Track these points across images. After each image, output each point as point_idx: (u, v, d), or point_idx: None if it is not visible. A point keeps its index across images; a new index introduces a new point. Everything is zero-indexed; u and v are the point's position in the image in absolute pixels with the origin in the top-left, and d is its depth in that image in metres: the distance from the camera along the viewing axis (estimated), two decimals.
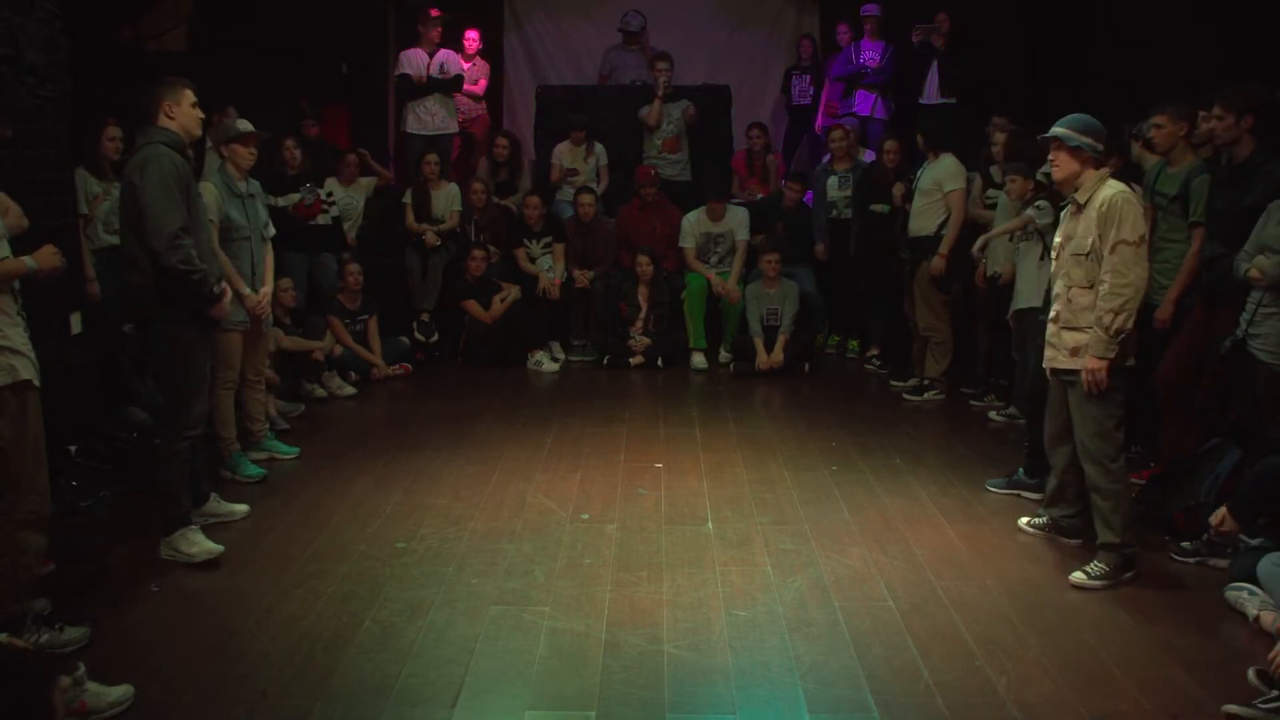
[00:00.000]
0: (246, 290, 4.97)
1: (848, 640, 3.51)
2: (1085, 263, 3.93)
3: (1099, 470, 3.99)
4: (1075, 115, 4.03)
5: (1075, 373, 3.98)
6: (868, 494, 4.94)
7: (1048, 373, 4.20)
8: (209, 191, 4.82)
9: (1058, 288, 4.10)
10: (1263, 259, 4.16)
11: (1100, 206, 3.86)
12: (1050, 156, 4.03)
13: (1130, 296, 3.82)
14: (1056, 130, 3.99)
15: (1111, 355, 3.87)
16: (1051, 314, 4.12)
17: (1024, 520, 4.54)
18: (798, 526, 4.52)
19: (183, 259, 3.99)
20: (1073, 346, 4.00)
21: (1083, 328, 3.96)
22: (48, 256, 3.51)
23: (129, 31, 7.63)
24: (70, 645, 3.41)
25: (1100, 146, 3.97)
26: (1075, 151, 3.94)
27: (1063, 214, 4.17)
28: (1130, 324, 3.84)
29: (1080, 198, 3.98)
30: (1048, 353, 4.14)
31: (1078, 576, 3.98)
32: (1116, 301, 3.82)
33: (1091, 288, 3.93)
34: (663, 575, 4.02)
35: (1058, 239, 4.15)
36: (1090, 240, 3.89)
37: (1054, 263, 4.18)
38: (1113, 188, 3.90)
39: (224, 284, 4.30)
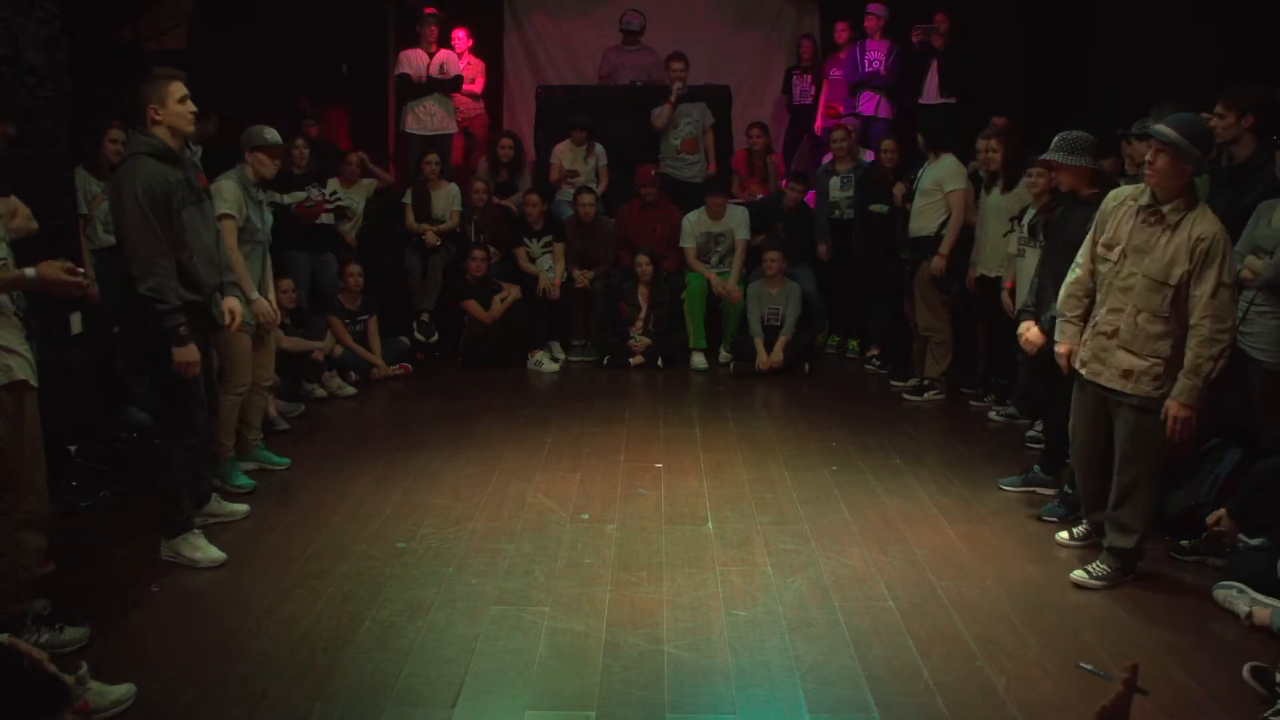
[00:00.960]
0: (255, 295, 4.90)
1: (848, 640, 3.51)
2: (1166, 292, 3.69)
3: (1135, 479, 3.90)
4: (1184, 116, 3.73)
5: (1136, 398, 3.81)
6: (868, 494, 4.94)
7: (1081, 380, 4.01)
8: (231, 189, 4.75)
9: (1116, 302, 3.84)
10: (1254, 259, 4.15)
11: (1201, 241, 3.60)
12: (1149, 158, 3.71)
13: (1228, 343, 3.62)
14: (1170, 136, 3.63)
15: (1200, 403, 3.66)
16: (1106, 327, 3.87)
17: (1063, 535, 4.38)
18: (798, 526, 4.52)
19: (151, 288, 3.87)
20: (1125, 368, 3.81)
21: (1143, 355, 3.78)
22: (53, 270, 3.32)
23: (129, 31, 7.63)
24: (70, 645, 3.41)
25: (1204, 158, 3.76)
26: (1180, 164, 3.63)
27: (1111, 213, 3.89)
28: (1222, 367, 3.64)
29: (1170, 216, 3.69)
30: (1091, 365, 3.94)
31: (1079, 575, 3.98)
32: (1217, 349, 3.60)
33: (1166, 320, 3.72)
34: (663, 575, 4.02)
35: (1110, 238, 3.87)
36: (1180, 272, 3.64)
37: (1104, 264, 3.89)
38: (1211, 220, 3.64)
39: (187, 329, 3.99)
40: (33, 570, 3.46)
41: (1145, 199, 3.79)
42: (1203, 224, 3.64)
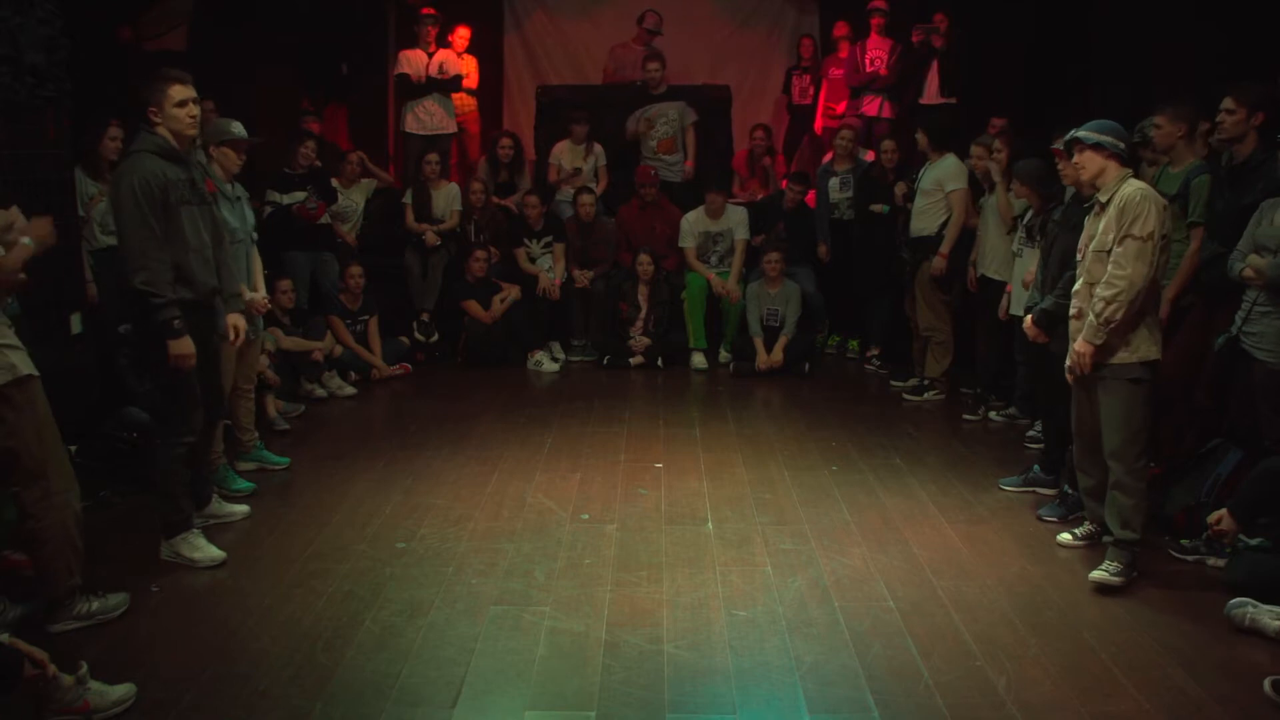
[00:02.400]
0: (248, 295, 4.84)
1: (848, 640, 3.51)
2: (1106, 260, 3.93)
3: (1124, 468, 3.96)
4: (1092, 121, 4.05)
5: (1103, 368, 3.97)
6: (868, 494, 4.94)
7: (1070, 376, 4.14)
8: None
9: (1079, 285, 4.08)
10: (1257, 258, 4.15)
11: (1119, 203, 3.89)
12: (1075, 159, 4.06)
13: (1123, 289, 3.83)
14: (1075, 133, 4.03)
15: (1100, 341, 3.91)
16: (1073, 311, 4.10)
17: (1065, 536, 4.38)
18: (798, 526, 4.52)
19: (145, 280, 3.84)
20: (1100, 343, 3.98)
21: None
22: (41, 226, 3.47)
23: (129, 31, 7.64)
24: (117, 609, 3.58)
25: (1121, 144, 3.99)
26: (1097, 149, 3.97)
27: (1087, 218, 4.15)
28: (1120, 315, 3.85)
29: (1103, 197, 3.99)
30: (1074, 349, 4.09)
31: (1099, 575, 3.92)
32: (1109, 292, 3.85)
33: None
34: (663, 575, 4.02)
35: (1080, 244, 4.13)
36: (1111, 237, 3.91)
37: (1078, 265, 4.14)
38: (1133, 185, 3.94)
39: (182, 324, 3.93)
40: (79, 541, 3.51)
41: (1091, 201, 4.09)
42: (1124, 190, 3.94)
